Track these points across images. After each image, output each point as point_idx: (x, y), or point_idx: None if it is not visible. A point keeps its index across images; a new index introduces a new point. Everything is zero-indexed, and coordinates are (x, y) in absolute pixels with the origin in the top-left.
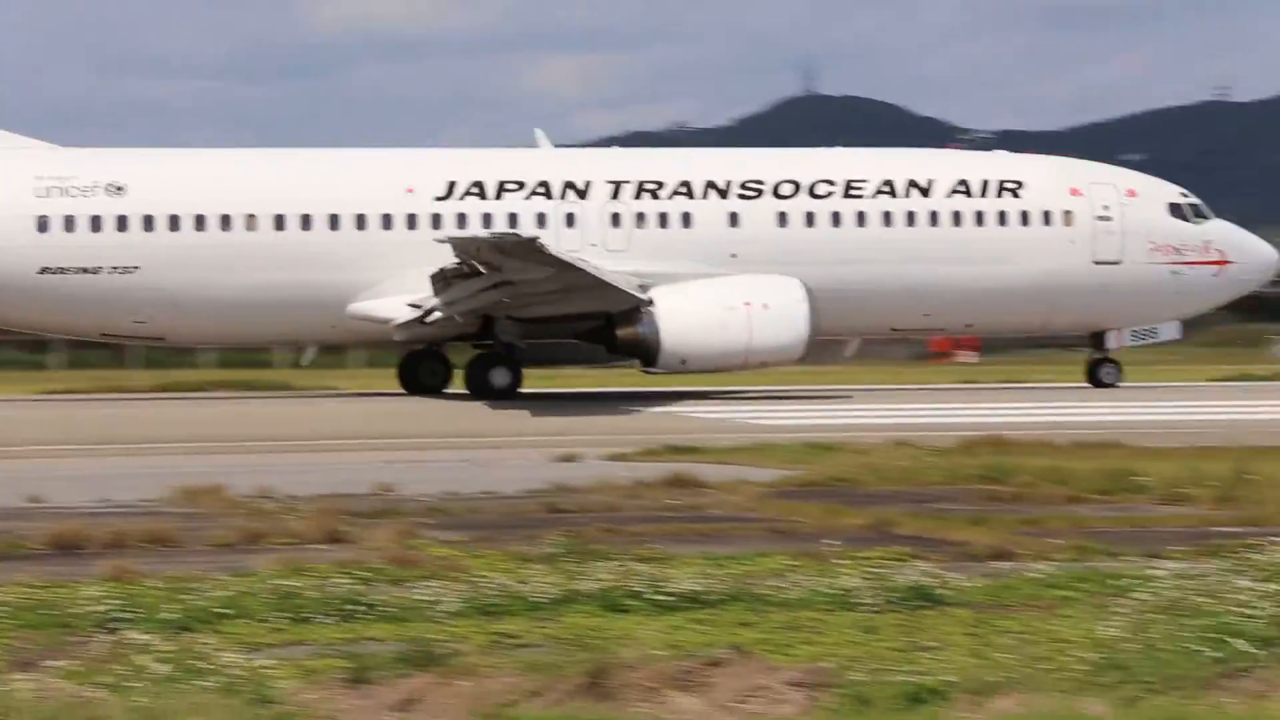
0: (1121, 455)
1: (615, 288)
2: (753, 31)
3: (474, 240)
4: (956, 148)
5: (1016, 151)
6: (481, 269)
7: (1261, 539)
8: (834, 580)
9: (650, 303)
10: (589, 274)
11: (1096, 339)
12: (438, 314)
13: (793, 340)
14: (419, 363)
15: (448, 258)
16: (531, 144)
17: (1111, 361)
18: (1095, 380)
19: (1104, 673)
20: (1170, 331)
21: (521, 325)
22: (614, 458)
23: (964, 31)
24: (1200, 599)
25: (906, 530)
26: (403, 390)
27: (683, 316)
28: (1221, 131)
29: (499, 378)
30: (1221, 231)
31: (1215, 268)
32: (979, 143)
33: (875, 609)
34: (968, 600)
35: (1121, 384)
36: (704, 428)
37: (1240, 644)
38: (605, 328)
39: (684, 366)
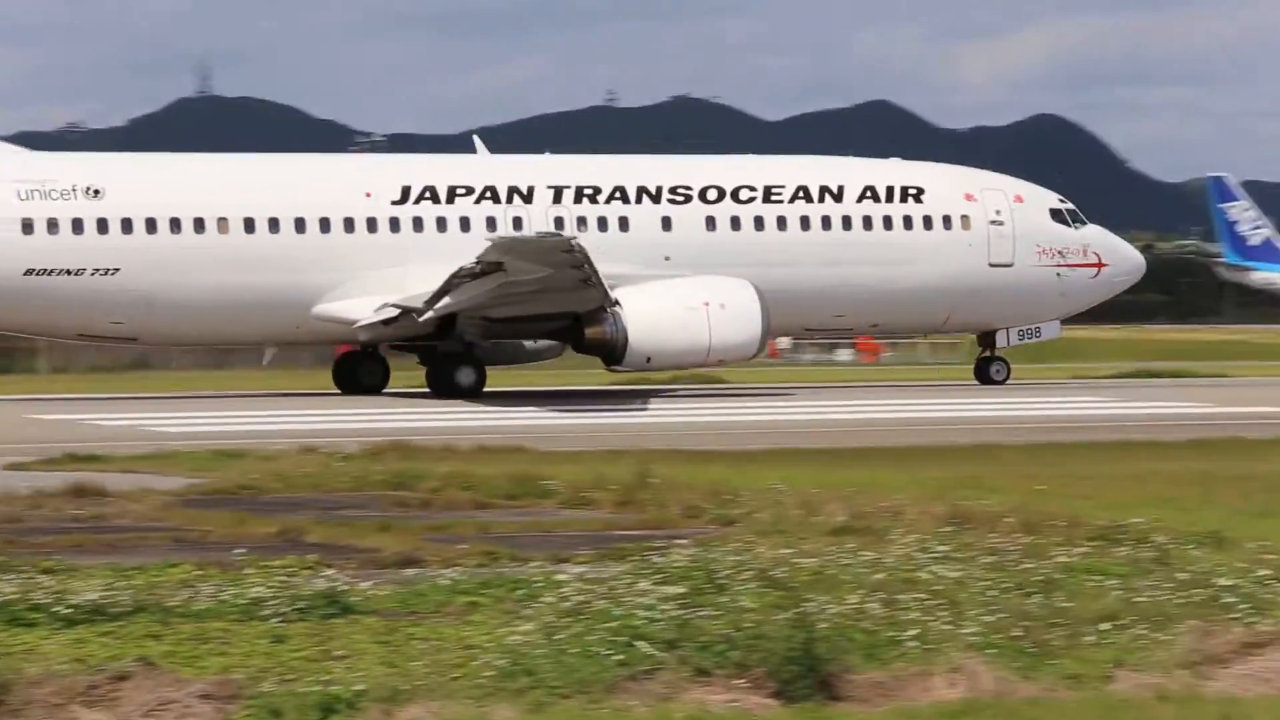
0: (528, 460)
1: (599, 289)
2: (147, 32)
3: (521, 240)
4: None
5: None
6: (488, 269)
7: (663, 541)
8: (243, 590)
9: (617, 303)
10: (590, 275)
11: (986, 338)
12: (429, 314)
13: (749, 339)
14: (357, 363)
15: (409, 260)
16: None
17: (1000, 359)
18: (984, 378)
19: (513, 678)
20: (1051, 331)
21: (487, 325)
22: (12, 467)
23: (358, 34)
24: (605, 603)
25: (315, 538)
26: (338, 390)
27: (648, 316)
28: (611, 135)
29: (465, 377)
30: (1097, 235)
31: (1093, 270)
32: (377, 145)
33: (285, 619)
34: (378, 608)
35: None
36: (106, 435)
37: (644, 647)
38: (572, 327)
39: (649, 365)
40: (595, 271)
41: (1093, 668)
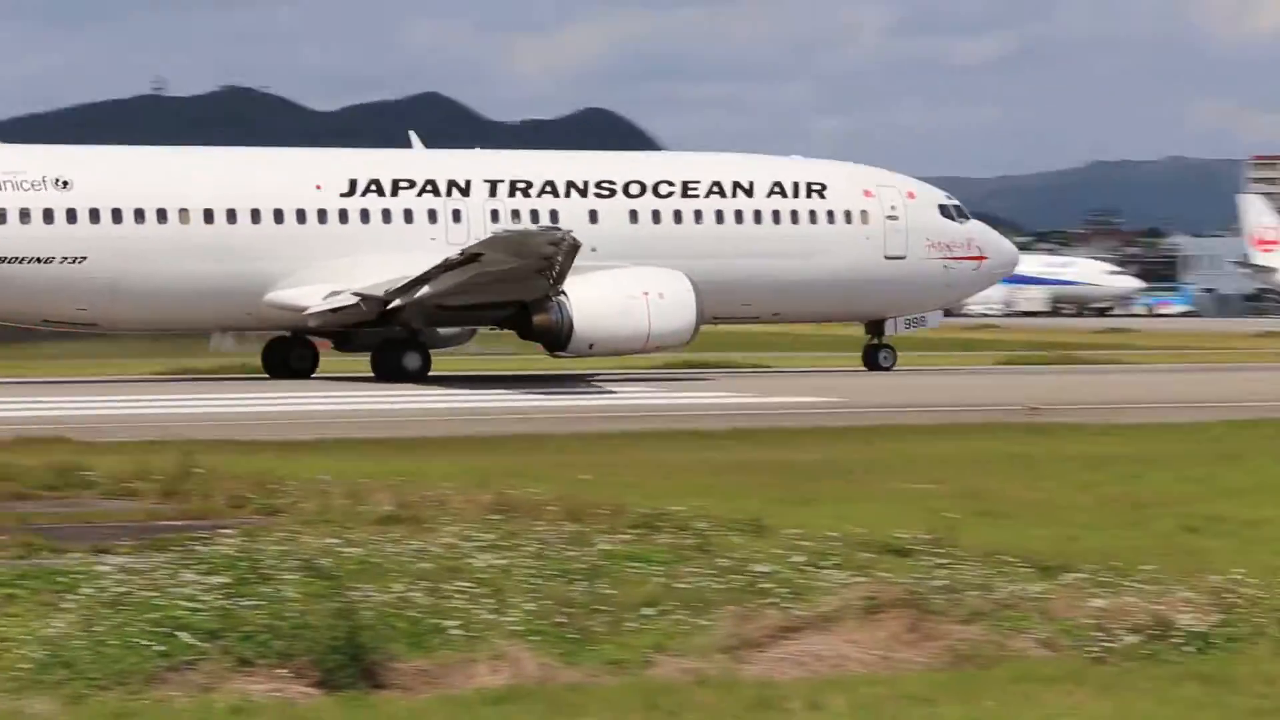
0: (70, 450)
1: (551, 279)
2: None
3: (530, 234)
4: None
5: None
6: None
7: (207, 532)
8: None
9: (562, 292)
10: (562, 266)
11: (875, 326)
12: (397, 301)
13: (684, 326)
14: (289, 348)
15: (356, 252)
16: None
17: (888, 346)
18: (873, 364)
19: (50, 670)
20: (935, 319)
21: (434, 312)
22: None
23: None
24: (147, 593)
25: None
26: (266, 374)
27: (591, 305)
28: (159, 123)
29: (411, 361)
30: (979, 230)
31: (975, 263)
32: None
33: None
34: None
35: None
36: None
37: (186, 637)
38: (519, 314)
39: (591, 351)
40: (569, 264)
41: (633, 653)
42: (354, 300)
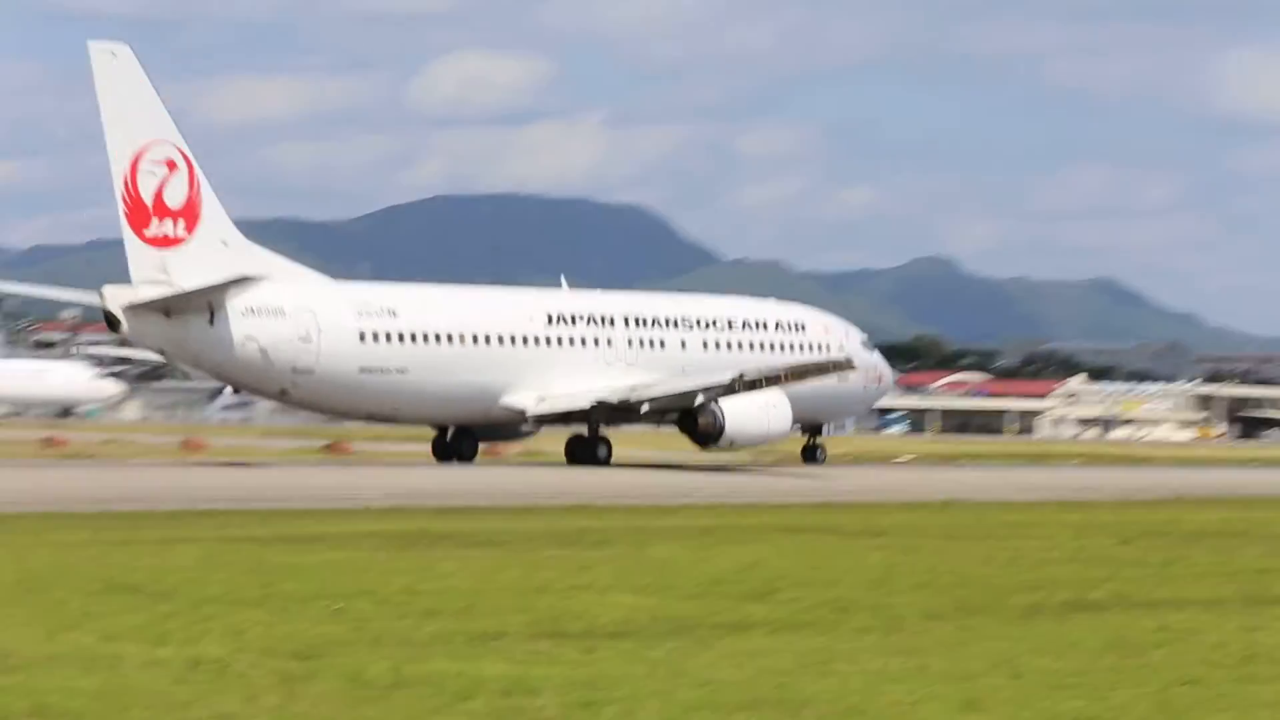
0: None
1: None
2: None
3: (819, 362)
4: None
5: None
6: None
7: None
8: None
9: (716, 400)
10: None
11: (814, 429)
12: (645, 406)
13: (787, 429)
14: (460, 440)
15: (549, 370)
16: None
17: (821, 445)
18: (811, 458)
19: None
20: (849, 425)
21: (611, 411)
22: None
23: None
24: None
25: None
26: (435, 460)
27: (738, 412)
28: None
29: (602, 451)
30: (878, 358)
31: (876, 383)
32: None
33: None
34: None
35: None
36: None
37: None
38: (683, 417)
39: (731, 447)
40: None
41: None
42: (562, 405)
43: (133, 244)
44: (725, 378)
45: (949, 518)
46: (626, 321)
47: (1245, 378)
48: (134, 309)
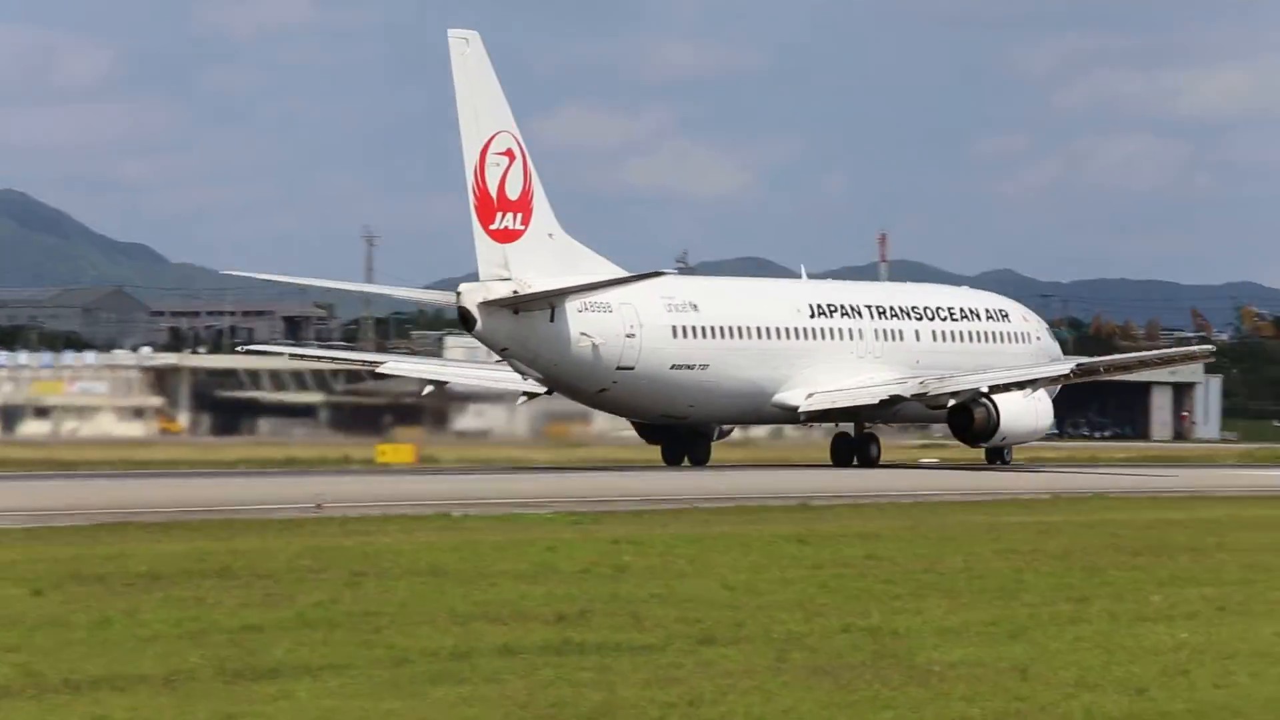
0: None
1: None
2: None
3: (1099, 362)
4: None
5: None
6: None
7: None
8: None
9: (987, 394)
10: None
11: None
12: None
13: (1049, 423)
14: (694, 441)
15: (811, 365)
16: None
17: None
18: (999, 457)
19: None
20: None
21: (875, 410)
22: None
23: None
24: None
25: None
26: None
27: (1012, 407)
28: None
29: (875, 449)
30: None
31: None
32: None
33: None
34: None
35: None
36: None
37: None
38: (958, 411)
39: (1003, 442)
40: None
41: None
42: (843, 400)
43: (481, 239)
44: (1020, 373)
45: None
46: (871, 313)
47: (220, 343)
48: (486, 306)
